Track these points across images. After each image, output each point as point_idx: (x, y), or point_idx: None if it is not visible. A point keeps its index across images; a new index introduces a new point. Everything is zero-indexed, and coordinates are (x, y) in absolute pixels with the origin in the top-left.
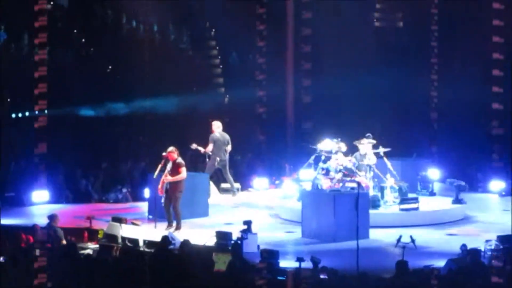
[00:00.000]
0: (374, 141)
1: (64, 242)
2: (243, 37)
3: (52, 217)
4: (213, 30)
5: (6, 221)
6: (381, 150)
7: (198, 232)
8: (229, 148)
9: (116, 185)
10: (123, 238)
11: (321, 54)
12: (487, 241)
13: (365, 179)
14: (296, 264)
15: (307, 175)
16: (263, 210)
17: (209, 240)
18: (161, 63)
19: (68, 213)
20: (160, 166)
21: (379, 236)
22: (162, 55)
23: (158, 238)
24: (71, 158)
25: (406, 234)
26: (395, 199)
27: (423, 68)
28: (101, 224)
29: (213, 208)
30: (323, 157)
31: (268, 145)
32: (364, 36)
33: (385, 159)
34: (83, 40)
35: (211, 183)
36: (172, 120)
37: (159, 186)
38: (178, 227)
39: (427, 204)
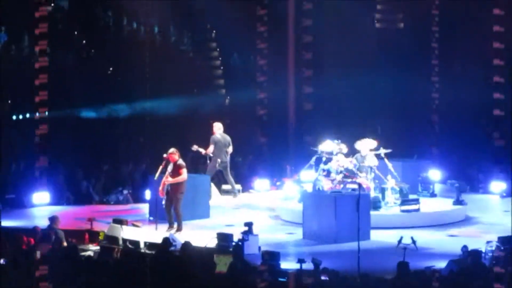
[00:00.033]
0: (375, 143)
1: (65, 244)
2: (244, 38)
3: (53, 219)
4: (214, 31)
5: (6, 223)
6: (382, 151)
7: (199, 234)
8: (230, 149)
9: (117, 186)
10: (124, 240)
11: (322, 56)
12: (488, 242)
13: (366, 180)
14: (297, 266)
15: (308, 176)
16: (264, 211)
17: (210, 241)
18: (162, 64)
19: (69, 215)
20: (161, 167)
21: (380, 238)
22: (163, 56)
23: (159, 240)
24: (72, 159)
25: (407, 235)
26: (396, 200)
27: (424, 69)
28: (102, 226)
29: (214, 209)
30: (324, 159)
31: (269, 147)
32: (365, 37)
33: (386, 160)
34: (84, 41)
35: (212, 184)
36: (173, 121)
37: (160, 188)
38: (179, 229)
39: (428, 205)
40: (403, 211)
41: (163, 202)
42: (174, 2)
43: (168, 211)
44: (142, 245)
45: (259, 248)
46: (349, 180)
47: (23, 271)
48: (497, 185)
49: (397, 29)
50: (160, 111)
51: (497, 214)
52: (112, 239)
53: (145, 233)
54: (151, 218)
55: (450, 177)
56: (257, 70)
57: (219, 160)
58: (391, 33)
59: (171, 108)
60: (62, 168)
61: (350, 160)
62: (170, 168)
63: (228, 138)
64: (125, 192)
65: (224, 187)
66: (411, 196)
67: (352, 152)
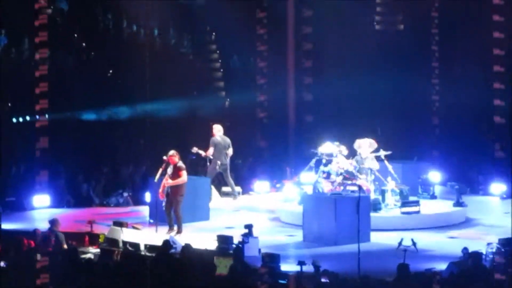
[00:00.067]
0: (374, 143)
1: (65, 246)
2: (244, 40)
3: (53, 222)
4: (214, 33)
5: (7, 225)
6: (382, 153)
7: (199, 236)
8: (230, 152)
9: (117, 189)
10: (124, 242)
11: (322, 58)
12: (488, 244)
13: (366, 182)
14: (298, 268)
15: (308, 178)
16: (264, 213)
17: (211, 244)
18: (162, 66)
19: (69, 217)
20: (161, 170)
21: (381, 240)
22: (162, 58)
23: (159, 242)
24: (72, 162)
25: (407, 237)
26: (396, 202)
27: (424, 71)
28: (102, 228)
29: (214, 212)
30: (324, 161)
31: (269, 149)
32: (365, 38)
33: (386, 162)
34: (84, 44)
35: (212, 186)
36: (173, 123)
37: (160, 190)
38: (179, 231)
39: (428, 207)
40: (403, 213)
41: (163, 204)
42: (174, 4)
43: (168, 213)
44: (142, 247)
45: (259, 250)
46: (349, 182)
47: (23, 274)
48: (497, 187)
49: (397, 31)
50: (160, 113)
51: (498, 216)
52: (112, 242)
53: (145, 235)
54: (151, 221)
55: (450, 179)
56: (257, 72)
57: (219, 162)
58: (391, 35)
59: (171, 110)
60: (62, 171)
61: (350, 162)
62: (170, 170)
63: (228, 140)
64: (125, 194)
65: (224, 189)
66: (411, 198)
67: (352, 153)
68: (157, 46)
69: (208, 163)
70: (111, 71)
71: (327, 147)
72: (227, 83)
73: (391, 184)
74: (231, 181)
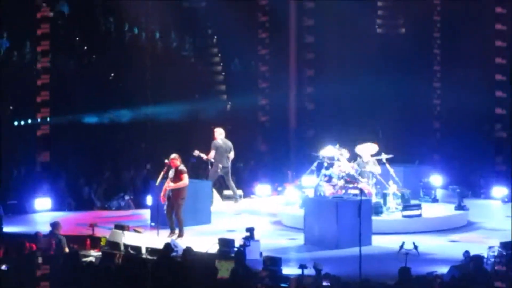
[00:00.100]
0: (376, 147)
1: (67, 249)
2: (245, 44)
3: (54, 225)
4: (215, 37)
5: (8, 229)
6: (384, 156)
7: (200, 239)
8: (231, 155)
9: (118, 192)
10: (126, 246)
11: (323, 61)
12: (490, 247)
13: (367, 185)
14: (299, 271)
15: (309, 181)
16: (265, 217)
17: (212, 247)
18: (163, 70)
19: (71, 220)
20: (162, 173)
21: (382, 243)
22: (164, 62)
23: (160, 246)
24: (73, 165)
25: (409, 241)
26: (397, 205)
27: (426, 74)
28: (104, 231)
29: (215, 215)
30: (325, 164)
31: (270, 152)
32: (366, 42)
33: (387, 165)
34: (85, 47)
35: (214, 190)
36: (174, 127)
37: (162, 194)
38: (180, 235)
39: (429, 210)
40: (404, 216)
41: (165, 208)
42: (176, 7)
43: (170, 216)
44: (143, 250)
45: (261, 253)
46: (351, 185)
47: (25, 276)
48: (499, 190)
49: (399, 34)
50: (162, 116)
51: (499, 219)
52: (114, 245)
53: (147, 238)
54: (153, 224)
55: (451, 183)
56: (259, 76)
57: (220, 165)
58: (392, 38)
59: (172, 114)
60: (63, 174)
61: (352, 166)
62: (171, 173)
63: (229, 143)
64: (126, 197)
65: (226, 192)
66: (413, 202)
67: (353, 157)
68: (159, 49)
69: (209, 166)
70: (112, 75)
71: (328, 151)
72: (229, 87)
73: (392, 188)
74: (233, 185)
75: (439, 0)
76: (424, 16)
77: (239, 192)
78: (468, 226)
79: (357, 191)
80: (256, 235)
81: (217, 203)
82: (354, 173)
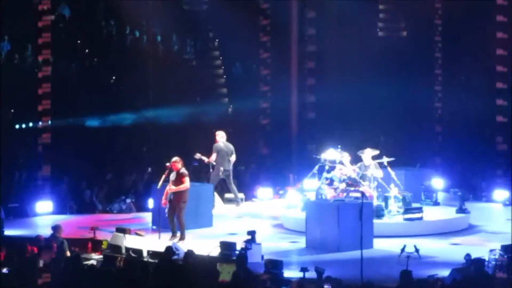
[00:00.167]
0: (377, 152)
1: (68, 252)
2: (246, 47)
3: (56, 228)
4: (217, 40)
5: (10, 232)
6: (385, 160)
7: (202, 243)
8: (233, 158)
9: (120, 195)
10: (127, 249)
11: (325, 65)
12: (491, 250)
13: (369, 189)
14: (300, 274)
15: (311, 185)
16: (267, 220)
17: (213, 250)
18: (165, 73)
19: (72, 223)
20: (164, 176)
21: (383, 246)
22: (165, 65)
23: (162, 249)
24: (75, 168)
25: (410, 244)
26: (399, 208)
27: (427, 78)
28: (105, 234)
29: (217, 218)
30: (327, 167)
31: (272, 155)
32: (368, 45)
33: (389, 168)
34: (87, 50)
35: (215, 193)
36: (176, 130)
37: (163, 197)
38: (182, 238)
39: (431, 213)
40: (406, 219)
41: (166, 211)
42: (177, 11)
43: (171, 219)
44: (145, 253)
45: (262, 256)
46: (352, 188)
47: (26, 280)
48: (500, 194)
49: (400, 38)
50: (163, 119)
51: (500, 223)
52: (115, 248)
53: (148, 242)
54: (154, 227)
55: (453, 186)
56: (260, 79)
57: (222, 168)
58: (394, 42)
59: (174, 117)
60: (65, 177)
61: (353, 169)
62: (172, 176)
63: (231, 146)
64: (128, 201)
65: (227, 195)
66: (414, 205)
67: (354, 160)
68: (160, 52)
69: (211, 170)
70: (114, 78)
71: (330, 154)
72: (230, 90)
73: (394, 191)
74: (234, 188)
75: (440, 3)
76: (426, 19)
77: (241, 195)
78: (469, 229)
79: (358, 194)
80: (258, 238)
81: (219, 206)
82: (356, 176)
